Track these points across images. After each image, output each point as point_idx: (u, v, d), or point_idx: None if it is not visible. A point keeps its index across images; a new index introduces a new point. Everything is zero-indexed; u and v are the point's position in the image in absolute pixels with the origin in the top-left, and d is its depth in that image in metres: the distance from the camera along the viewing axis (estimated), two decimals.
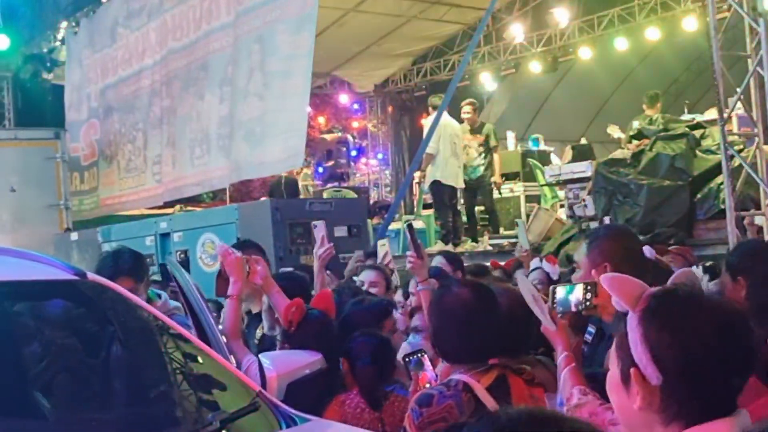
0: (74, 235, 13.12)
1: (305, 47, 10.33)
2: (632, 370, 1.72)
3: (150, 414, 3.17)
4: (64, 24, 16.59)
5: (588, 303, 2.79)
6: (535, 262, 6.32)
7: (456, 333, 3.20)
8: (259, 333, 4.65)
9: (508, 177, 13.80)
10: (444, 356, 3.29)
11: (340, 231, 9.24)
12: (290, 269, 6.93)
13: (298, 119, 10.59)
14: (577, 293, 2.83)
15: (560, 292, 2.87)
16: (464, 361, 3.18)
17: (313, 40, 10.21)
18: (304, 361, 3.43)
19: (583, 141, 15.32)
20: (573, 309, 2.86)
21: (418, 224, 12.77)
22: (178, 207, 15.79)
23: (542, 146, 15.40)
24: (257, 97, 11.12)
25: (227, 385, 3.25)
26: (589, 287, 2.81)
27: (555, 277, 5.85)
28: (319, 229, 5.43)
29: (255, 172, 11.64)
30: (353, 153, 21.07)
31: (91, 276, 3.43)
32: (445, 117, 11.63)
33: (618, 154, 10.44)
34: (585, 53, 16.63)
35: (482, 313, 3.22)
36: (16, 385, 3.21)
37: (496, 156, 12.22)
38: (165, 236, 11.03)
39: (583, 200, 8.31)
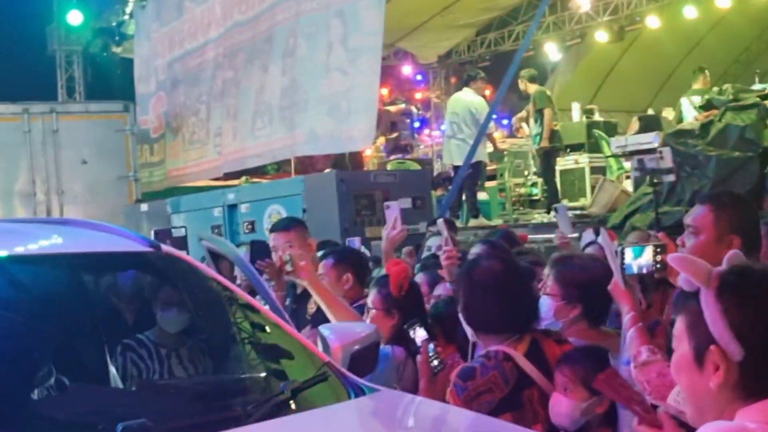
0: (144, 207, 13.38)
1: (380, 23, 10.34)
2: (712, 347, 1.72)
3: (222, 383, 3.24)
4: None
5: (658, 265, 2.76)
6: (588, 235, 5.70)
7: (491, 305, 3.19)
8: (312, 308, 4.67)
9: (573, 148, 13.66)
10: (476, 328, 3.26)
11: (405, 203, 9.27)
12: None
13: (374, 96, 10.59)
14: (647, 255, 2.81)
15: (629, 253, 2.85)
16: (499, 332, 3.18)
17: (384, 16, 10.23)
18: (363, 332, 3.43)
19: (650, 111, 15.08)
20: (644, 271, 2.83)
21: (482, 195, 12.72)
22: (243, 179, 15.99)
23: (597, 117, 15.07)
24: (340, 72, 11.05)
25: (296, 354, 3.30)
26: (659, 249, 2.78)
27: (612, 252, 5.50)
28: (392, 211, 5.07)
29: (343, 147, 11.66)
30: (416, 124, 21.00)
31: (165, 248, 3.51)
32: (466, 93, 11.61)
33: (686, 125, 10.25)
34: (652, 22, 16.32)
35: (516, 285, 3.23)
36: (94, 354, 3.32)
37: (546, 119, 11.59)
38: (232, 207, 11.18)
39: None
